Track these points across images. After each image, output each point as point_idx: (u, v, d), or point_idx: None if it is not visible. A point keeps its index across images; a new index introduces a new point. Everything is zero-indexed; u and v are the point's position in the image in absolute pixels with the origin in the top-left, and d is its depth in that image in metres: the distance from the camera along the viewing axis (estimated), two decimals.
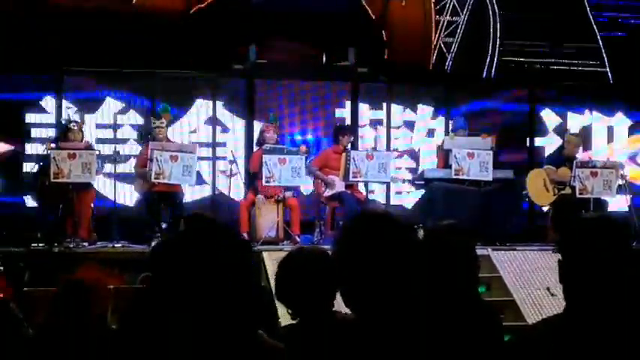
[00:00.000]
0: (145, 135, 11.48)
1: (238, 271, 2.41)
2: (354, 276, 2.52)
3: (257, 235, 10.59)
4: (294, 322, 3.37)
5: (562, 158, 11.41)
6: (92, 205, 10.66)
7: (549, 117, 13.22)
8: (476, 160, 10.94)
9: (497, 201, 11.01)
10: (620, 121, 13.37)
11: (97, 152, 10.46)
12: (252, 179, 11.18)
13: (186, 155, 10.44)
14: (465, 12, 13.75)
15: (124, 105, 12.04)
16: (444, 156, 11.38)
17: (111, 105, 12.02)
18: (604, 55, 13.80)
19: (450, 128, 12.14)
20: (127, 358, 3.30)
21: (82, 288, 4.56)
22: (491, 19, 13.72)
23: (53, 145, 10.47)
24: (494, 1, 13.66)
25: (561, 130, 12.68)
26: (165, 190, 10.57)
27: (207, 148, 12.22)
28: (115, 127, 11.99)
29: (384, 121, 12.71)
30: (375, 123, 12.73)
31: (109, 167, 11.19)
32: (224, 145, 12.23)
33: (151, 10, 12.61)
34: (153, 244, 10.20)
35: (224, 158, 12.07)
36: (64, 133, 10.79)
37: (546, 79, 13.47)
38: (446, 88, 13.00)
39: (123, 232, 10.62)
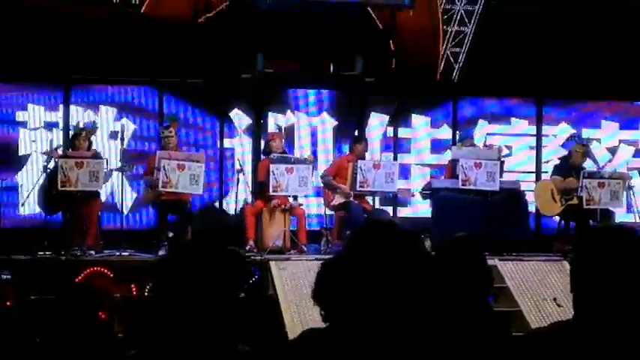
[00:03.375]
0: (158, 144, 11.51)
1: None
2: (361, 285, 2.51)
3: (264, 244, 10.56)
4: (320, 326, 3.31)
5: (569, 168, 11.37)
6: (99, 213, 10.67)
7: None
8: (483, 170, 10.93)
9: (504, 211, 10.98)
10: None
11: (105, 160, 10.47)
12: (260, 188, 11.13)
13: (193, 164, 10.43)
14: (472, 22, 13.73)
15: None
16: (451, 166, 11.36)
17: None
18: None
19: (457, 138, 12.13)
20: None
21: (88, 295, 4.56)
22: (499, 29, 13.69)
23: (60, 153, 10.46)
24: (502, 11, 13.63)
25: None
26: (173, 199, 10.57)
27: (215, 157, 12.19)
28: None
29: (393, 130, 12.66)
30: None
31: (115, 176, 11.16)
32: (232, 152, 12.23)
33: (159, 20, 12.61)
34: (160, 252, 10.22)
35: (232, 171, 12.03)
36: (71, 141, 10.80)
37: (554, 86, 13.37)
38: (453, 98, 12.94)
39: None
